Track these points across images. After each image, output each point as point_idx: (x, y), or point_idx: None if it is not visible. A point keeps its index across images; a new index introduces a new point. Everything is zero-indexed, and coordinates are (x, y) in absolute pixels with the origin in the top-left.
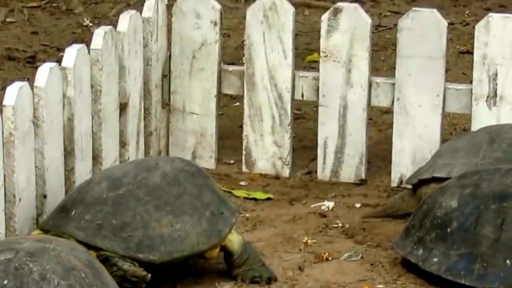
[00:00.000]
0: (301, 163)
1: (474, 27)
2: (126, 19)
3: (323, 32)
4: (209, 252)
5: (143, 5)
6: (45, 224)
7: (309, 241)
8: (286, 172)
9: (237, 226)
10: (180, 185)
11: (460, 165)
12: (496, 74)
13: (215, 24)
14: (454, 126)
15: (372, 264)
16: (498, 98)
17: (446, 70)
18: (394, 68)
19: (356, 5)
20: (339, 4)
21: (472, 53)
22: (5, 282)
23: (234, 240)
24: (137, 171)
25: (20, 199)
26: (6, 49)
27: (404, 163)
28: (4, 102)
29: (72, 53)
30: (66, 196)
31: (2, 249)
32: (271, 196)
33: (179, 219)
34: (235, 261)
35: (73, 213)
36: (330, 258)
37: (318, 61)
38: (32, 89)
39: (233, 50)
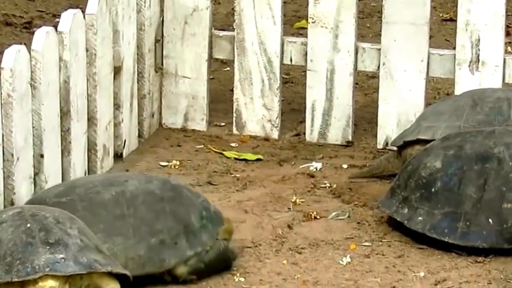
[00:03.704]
0: (289, 126)
1: None
2: None
3: None
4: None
5: None
6: None
7: (297, 200)
8: (275, 134)
9: (228, 186)
10: (131, 206)
11: (444, 127)
12: (479, 40)
13: None
14: (437, 90)
15: (358, 223)
16: (480, 63)
17: (430, 37)
18: (380, 35)
19: None
20: None
21: (455, 21)
22: (28, 225)
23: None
24: (98, 184)
25: (18, 158)
26: (3, 15)
27: (389, 126)
28: (2, 65)
29: (68, 18)
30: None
31: (5, 210)
32: (260, 157)
33: (109, 239)
34: None
35: None
36: (318, 217)
37: (306, 28)
38: (29, 52)
39: (223, 17)
